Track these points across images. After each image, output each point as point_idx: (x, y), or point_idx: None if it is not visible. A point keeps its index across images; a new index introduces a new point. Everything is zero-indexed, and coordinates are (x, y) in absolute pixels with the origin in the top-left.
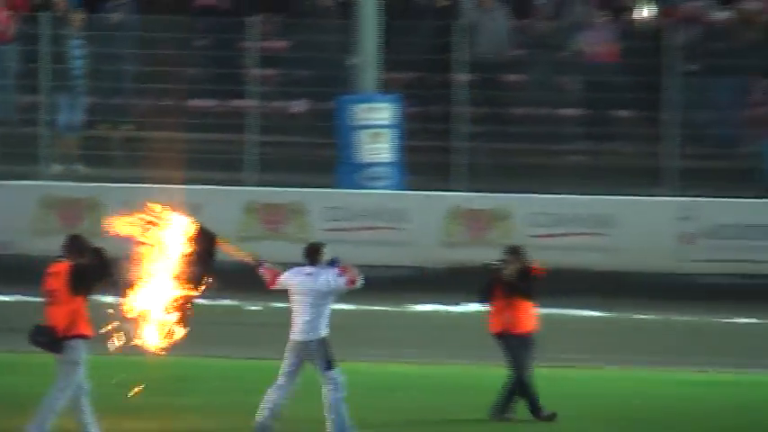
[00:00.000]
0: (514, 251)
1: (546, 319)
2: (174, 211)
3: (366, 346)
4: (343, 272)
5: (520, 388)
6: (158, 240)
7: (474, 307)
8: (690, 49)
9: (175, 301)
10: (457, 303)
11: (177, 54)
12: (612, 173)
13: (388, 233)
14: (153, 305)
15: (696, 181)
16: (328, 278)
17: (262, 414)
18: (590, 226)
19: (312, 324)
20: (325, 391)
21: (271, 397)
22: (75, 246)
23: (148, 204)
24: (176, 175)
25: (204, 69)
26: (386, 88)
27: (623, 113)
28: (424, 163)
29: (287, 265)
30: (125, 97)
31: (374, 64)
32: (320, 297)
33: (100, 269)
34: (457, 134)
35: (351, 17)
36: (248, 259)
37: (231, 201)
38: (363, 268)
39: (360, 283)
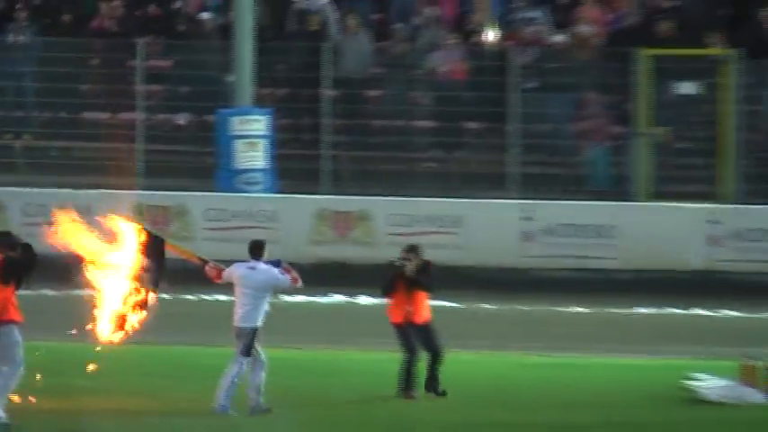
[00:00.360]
0: (413, 249)
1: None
2: (124, 219)
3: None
4: (286, 272)
5: (408, 368)
6: (112, 246)
7: (339, 298)
8: (530, 68)
9: (132, 297)
10: (324, 295)
11: (73, 71)
12: (462, 178)
13: (262, 232)
14: (113, 301)
15: (535, 185)
16: (272, 274)
17: (249, 398)
18: (442, 225)
19: (250, 314)
20: (228, 367)
21: (249, 380)
22: (6, 241)
23: (103, 214)
24: (71, 180)
25: (97, 85)
26: (260, 102)
27: (471, 125)
28: (294, 169)
29: None
30: (27, 110)
31: (249, 81)
32: (260, 290)
33: (28, 263)
34: (324, 143)
35: (229, 38)
36: (194, 259)
37: (121, 203)
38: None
39: (300, 284)
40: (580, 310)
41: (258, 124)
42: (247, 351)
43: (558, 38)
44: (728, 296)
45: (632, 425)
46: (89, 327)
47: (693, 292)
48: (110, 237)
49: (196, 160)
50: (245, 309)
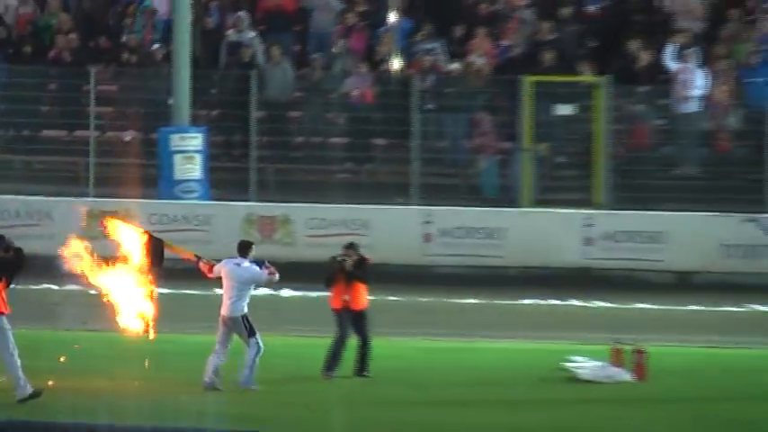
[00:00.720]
0: (352, 246)
1: (323, 301)
2: (130, 224)
3: (189, 322)
4: (266, 269)
5: (336, 349)
6: (121, 246)
7: (265, 291)
8: (429, 92)
9: (140, 291)
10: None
11: (34, 95)
12: (370, 187)
13: (198, 234)
14: (125, 295)
15: (434, 193)
16: (254, 270)
17: (207, 375)
18: (353, 228)
19: (236, 304)
20: (247, 350)
21: (211, 361)
22: (1, 244)
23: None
24: (33, 189)
25: (55, 107)
26: (196, 122)
27: (379, 141)
28: (226, 179)
29: None
30: None
31: (187, 103)
32: (243, 283)
33: (19, 264)
34: (251, 157)
35: (169, 66)
36: (190, 257)
37: (76, 209)
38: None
39: (277, 277)
40: (473, 301)
41: (194, 141)
42: (252, 332)
43: (454, 66)
44: (600, 289)
45: (517, 401)
46: (114, 320)
47: (570, 286)
48: (115, 240)
49: (141, 172)
50: (232, 300)
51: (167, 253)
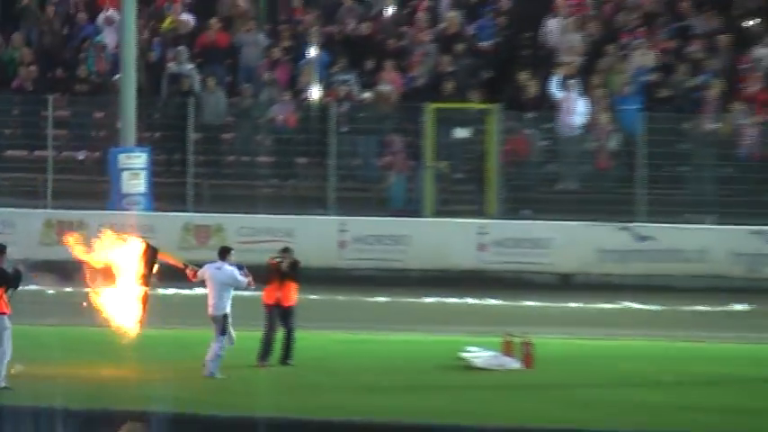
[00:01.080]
0: (287, 250)
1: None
2: (130, 234)
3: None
4: (246, 275)
5: (267, 340)
6: (120, 254)
7: (203, 291)
8: (344, 117)
9: (139, 293)
10: (190, 289)
11: None
12: (293, 200)
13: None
14: (123, 296)
15: (349, 205)
16: (233, 274)
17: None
18: (278, 235)
19: (218, 304)
20: (212, 344)
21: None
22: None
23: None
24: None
25: (17, 130)
26: (141, 143)
27: (300, 160)
28: (166, 193)
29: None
30: None
31: (133, 127)
32: (223, 284)
33: (17, 280)
34: (189, 174)
35: (117, 94)
36: (178, 264)
37: (35, 219)
38: None
39: (254, 284)
40: (382, 299)
41: (139, 160)
42: (223, 331)
43: (366, 94)
44: (493, 289)
45: (420, 386)
46: (114, 317)
47: (466, 286)
48: (116, 249)
49: (93, 187)
50: (215, 300)
51: (160, 260)
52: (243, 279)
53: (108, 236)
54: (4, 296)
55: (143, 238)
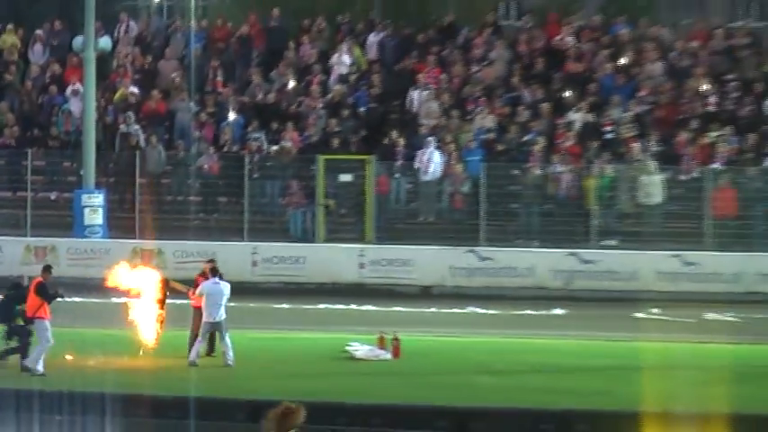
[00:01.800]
0: (212, 261)
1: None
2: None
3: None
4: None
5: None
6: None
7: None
8: (256, 166)
9: (158, 314)
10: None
11: None
12: (217, 230)
13: (100, 261)
14: (146, 314)
15: (259, 234)
16: (226, 287)
17: (191, 356)
18: (205, 257)
19: (218, 312)
20: (222, 346)
21: (195, 347)
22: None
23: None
24: None
25: (3, 176)
26: (99, 186)
27: (222, 199)
28: (119, 225)
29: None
30: None
31: (92, 173)
32: (220, 297)
33: (54, 295)
34: (137, 210)
35: (81, 149)
36: (182, 289)
37: (18, 245)
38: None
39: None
40: (285, 306)
41: (98, 199)
42: (223, 335)
43: (272, 148)
44: (370, 298)
45: (313, 373)
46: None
47: (350, 296)
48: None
49: (62, 220)
50: (213, 309)
51: (170, 288)
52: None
53: (130, 267)
54: (46, 306)
55: (158, 270)
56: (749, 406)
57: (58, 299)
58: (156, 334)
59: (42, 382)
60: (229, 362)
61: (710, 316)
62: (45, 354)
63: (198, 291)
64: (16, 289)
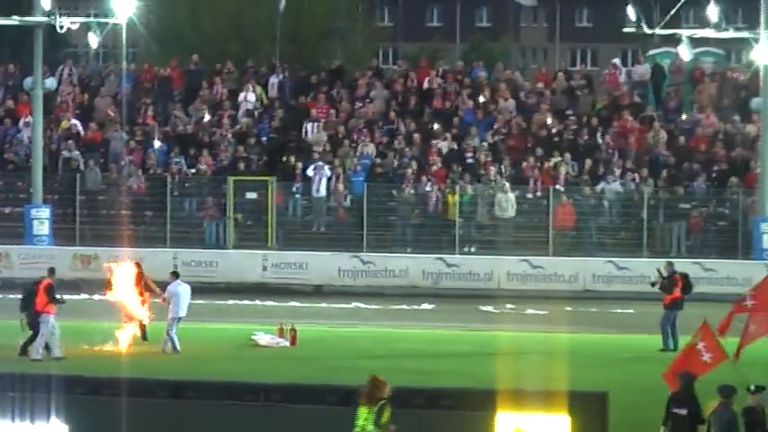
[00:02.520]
0: (174, 272)
1: None
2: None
3: None
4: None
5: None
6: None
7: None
8: (177, 185)
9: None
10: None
11: None
12: (144, 238)
13: (45, 265)
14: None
15: (180, 242)
16: (188, 287)
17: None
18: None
19: (185, 308)
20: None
21: (167, 339)
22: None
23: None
24: None
25: None
26: (46, 202)
27: (148, 213)
28: (62, 234)
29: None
30: None
31: (40, 191)
32: (186, 296)
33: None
34: (77, 221)
35: (30, 170)
36: (155, 290)
37: None
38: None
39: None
40: (201, 301)
41: (44, 213)
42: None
43: (191, 170)
44: (272, 295)
45: (225, 357)
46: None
47: (255, 293)
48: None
49: (15, 230)
50: (183, 306)
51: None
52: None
53: (115, 266)
54: (53, 305)
55: (136, 263)
56: (582, 384)
57: (60, 304)
58: (139, 325)
59: (34, 366)
60: (178, 349)
61: (552, 310)
62: (56, 342)
63: (167, 293)
64: (36, 285)
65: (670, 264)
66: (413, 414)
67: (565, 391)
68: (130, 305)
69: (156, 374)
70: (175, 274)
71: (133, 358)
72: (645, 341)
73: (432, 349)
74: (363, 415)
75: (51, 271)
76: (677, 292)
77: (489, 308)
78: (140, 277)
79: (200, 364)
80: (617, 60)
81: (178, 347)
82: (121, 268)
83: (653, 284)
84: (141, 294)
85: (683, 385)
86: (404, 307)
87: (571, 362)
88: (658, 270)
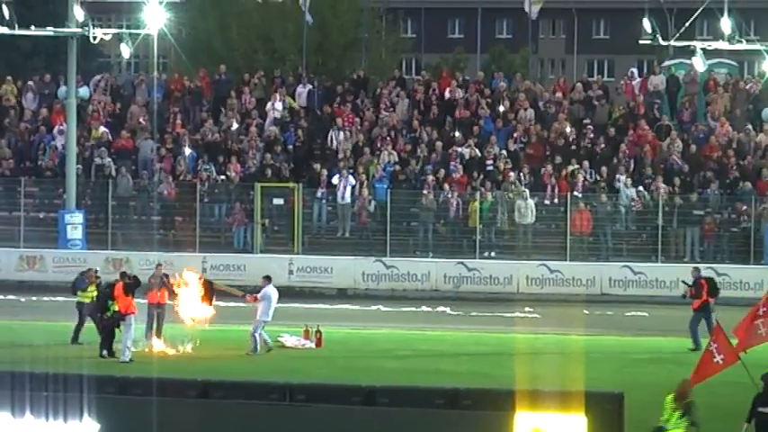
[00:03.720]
0: (267, 276)
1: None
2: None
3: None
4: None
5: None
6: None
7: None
8: (206, 192)
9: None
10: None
11: None
12: (175, 243)
13: (79, 268)
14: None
15: (209, 247)
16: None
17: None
18: (165, 266)
19: (271, 312)
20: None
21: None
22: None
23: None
24: None
25: (1, 200)
26: (79, 207)
27: (178, 218)
28: (95, 239)
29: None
30: None
31: (74, 197)
32: (276, 300)
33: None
34: (108, 227)
35: (65, 177)
36: (236, 293)
37: (13, 254)
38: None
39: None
40: (231, 305)
41: (78, 218)
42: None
43: (220, 177)
44: (299, 298)
45: (253, 358)
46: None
47: (282, 296)
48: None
49: (49, 234)
50: (269, 309)
51: (217, 289)
52: None
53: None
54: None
55: (200, 275)
56: (598, 385)
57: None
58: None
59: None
60: (270, 345)
61: (571, 313)
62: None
63: (260, 296)
64: (111, 288)
65: (696, 269)
66: (433, 413)
67: (581, 392)
68: (191, 309)
69: (185, 375)
70: (268, 278)
71: (166, 359)
72: (659, 343)
73: (452, 351)
74: (670, 409)
75: (123, 275)
76: (704, 296)
77: (508, 311)
78: (207, 288)
79: (229, 365)
80: (634, 70)
81: (269, 344)
82: (186, 277)
83: (684, 297)
84: (204, 299)
85: (766, 384)
86: (425, 309)
87: (587, 363)
88: (684, 282)
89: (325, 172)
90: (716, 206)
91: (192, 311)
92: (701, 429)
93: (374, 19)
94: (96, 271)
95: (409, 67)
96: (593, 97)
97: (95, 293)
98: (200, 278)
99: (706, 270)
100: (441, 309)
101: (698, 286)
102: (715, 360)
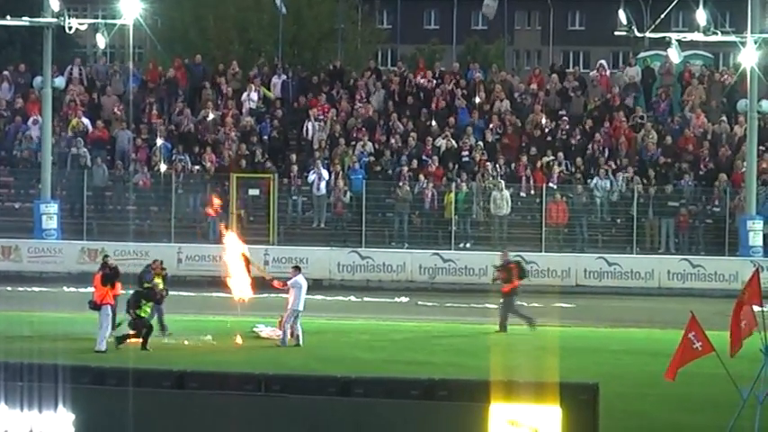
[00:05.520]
0: (296, 266)
1: None
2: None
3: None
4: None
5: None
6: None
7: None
8: (182, 182)
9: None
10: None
11: None
12: (148, 233)
13: (54, 258)
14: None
15: (184, 237)
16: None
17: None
18: (139, 256)
19: (302, 302)
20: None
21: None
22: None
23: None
24: None
25: None
26: (54, 197)
27: (153, 208)
28: (70, 228)
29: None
30: None
31: (49, 187)
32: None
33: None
34: (84, 217)
35: (40, 168)
36: (266, 275)
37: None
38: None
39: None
40: (205, 294)
41: (53, 208)
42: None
43: (195, 168)
44: (275, 289)
45: (228, 349)
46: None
47: (258, 286)
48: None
49: (24, 224)
50: (300, 299)
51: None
52: None
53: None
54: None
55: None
56: (574, 376)
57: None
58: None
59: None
60: (300, 342)
61: (545, 304)
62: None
63: (290, 283)
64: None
65: (505, 253)
66: (409, 404)
67: (556, 383)
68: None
69: (160, 365)
70: (297, 268)
71: (153, 349)
72: (634, 334)
73: (427, 342)
74: None
75: (104, 265)
76: (514, 280)
77: (483, 302)
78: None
79: (204, 356)
80: (603, 61)
81: (301, 340)
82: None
83: (494, 281)
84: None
85: None
86: (400, 300)
87: (562, 354)
88: (494, 266)
89: (300, 162)
90: (690, 197)
91: (243, 289)
92: None
93: (350, 10)
94: (162, 262)
95: (385, 59)
96: (569, 88)
97: (163, 285)
98: (242, 254)
99: (681, 262)
100: (416, 300)
101: (508, 270)
102: (694, 346)
